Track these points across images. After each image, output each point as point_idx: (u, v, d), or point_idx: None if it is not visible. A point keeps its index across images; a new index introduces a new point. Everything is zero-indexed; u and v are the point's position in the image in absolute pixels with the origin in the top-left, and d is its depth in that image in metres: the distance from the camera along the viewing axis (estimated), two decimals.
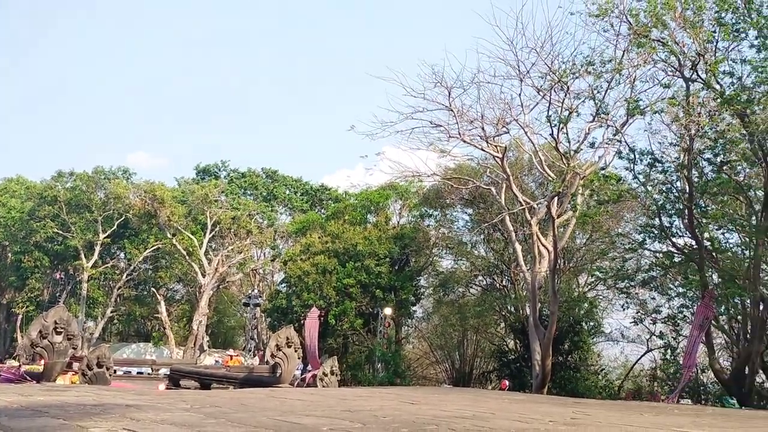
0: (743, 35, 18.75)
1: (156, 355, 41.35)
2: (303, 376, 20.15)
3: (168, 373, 21.24)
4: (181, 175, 61.33)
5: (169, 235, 43.03)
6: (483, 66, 64.76)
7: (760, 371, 22.11)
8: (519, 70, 20.97)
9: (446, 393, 13.49)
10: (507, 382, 25.05)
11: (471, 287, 35.64)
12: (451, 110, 22.31)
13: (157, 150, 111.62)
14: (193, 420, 5.13)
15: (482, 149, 23.81)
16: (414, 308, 37.60)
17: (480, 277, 34.91)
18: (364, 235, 34.51)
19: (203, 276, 41.82)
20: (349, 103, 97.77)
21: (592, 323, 30.98)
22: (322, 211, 47.28)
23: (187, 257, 42.43)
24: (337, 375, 18.83)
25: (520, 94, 21.70)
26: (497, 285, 33.56)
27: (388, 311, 31.76)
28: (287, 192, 52.30)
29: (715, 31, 18.48)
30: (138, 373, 26.61)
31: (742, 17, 18.38)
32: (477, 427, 5.58)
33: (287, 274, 35.81)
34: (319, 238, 35.59)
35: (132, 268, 46.56)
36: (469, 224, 34.25)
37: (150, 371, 27.29)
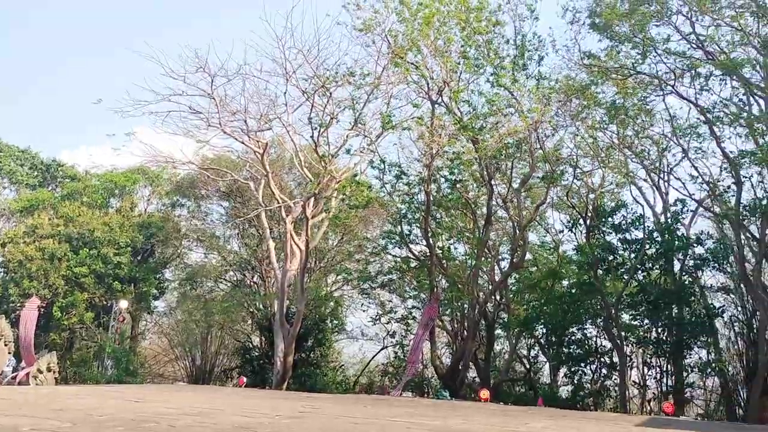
0: (482, 70, 21.38)
1: None
2: (15, 373, 17.76)
3: None
4: None
5: None
6: (250, 59, 63.92)
7: (472, 366, 25.29)
8: (286, 69, 21.14)
9: (179, 390, 12.94)
10: (244, 379, 24.90)
11: (220, 282, 34.79)
12: (213, 99, 21.63)
13: None
14: None
15: (243, 143, 23.50)
16: (156, 303, 35.47)
17: (231, 273, 34.25)
18: (105, 220, 31.61)
19: None
20: (100, 74, 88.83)
21: (336, 321, 32.35)
22: (57, 189, 42.07)
23: None
24: (54, 372, 16.92)
25: (285, 93, 21.91)
26: (248, 281, 33.27)
27: (123, 304, 29.45)
28: (12, 164, 45.32)
29: (460, 63, 20.76)
30: None
31: (482, 54, 20.94)
32: (200, 424, 5.41)
33: (5, 258, 31.23)
34: (49, 219, 31.67)
35: None
36: (223, 217, 33.45)
37: None
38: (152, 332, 38.20)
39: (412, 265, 24.42)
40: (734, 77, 19.94)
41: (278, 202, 23.66)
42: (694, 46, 20.60)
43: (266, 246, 26.87)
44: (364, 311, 28.10)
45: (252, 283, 32.83)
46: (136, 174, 34.09)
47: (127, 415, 5.82)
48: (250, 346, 32.41)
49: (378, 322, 28.22)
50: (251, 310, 31.48)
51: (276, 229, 28.57)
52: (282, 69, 21.10)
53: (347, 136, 22.53)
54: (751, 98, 21.10)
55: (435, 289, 22.36)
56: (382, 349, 30.93)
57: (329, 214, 23.72)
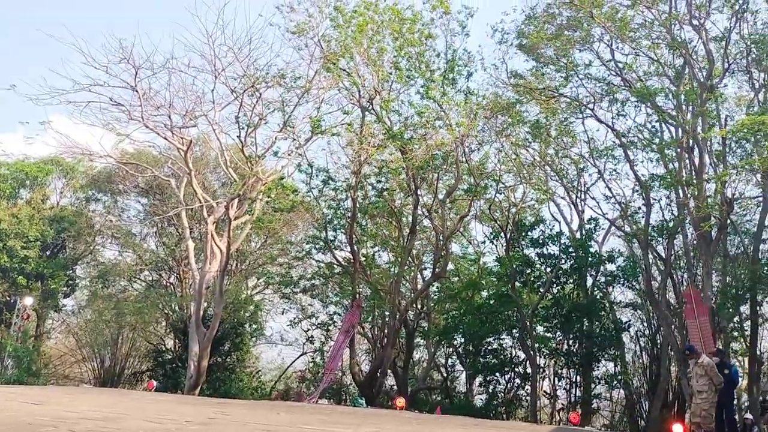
0: (413, 82, 21.66)
1: None
2: None
3: None
4: None
5: None
6: (178, 53, 62.16)
7: (391, 374, 25.44)
8: (215, 67, 20.64)
9: (84, 393, 12.33)
10: (154, 383, 24.01)
11: (135, 282, 33.44)
12: (136, 91, 20.82)
13: None
14: None
15: (166, 138, 22.73)
16: (65, 301, 33.67)
17: (146, 272, 32.98)
18: (13, 212, 29.77)
19: None
20: (12, 57, 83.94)
21: (255, 326, 31.76)
22: None
23: None
24: None
25: (213, 90, 21.36)
26: (164, 281, 32.14)
27: (28, 301, 27.76)
28: None
29: (391, 73, 20.95)
30: None
31: (414, 66, 21.21)
32: (102, 429, 5.15)
33: None
34: None
35: None
36: (141, 215, 32.21)
37: None
38: (59, 331, 36.20)
39: (336, 271, 24.34)
40: (648, 104, 21.08)
41: (200, 202, 23.00)
42: (613, 72, 21.64)
43: (185, 246, 26.02)
44: (283, 314, 27.73)
45: (168, 284, 31.74)
46: (49, 165, 32.30)
47: (24, 418, 5.47)
48: (163, 348, 31.31)
49: (297, 325, 27.94)
50: (166, 311, 30.40)
51: (197, 229, 27.79)
52: (211, 66, 20.59)
53: (275, 138, 22.26)
54: (663, 125, 22.40)
55: (357, 296, 22.37)
56: (301, 354, 30.62)
57: (253, 216, 23.28)
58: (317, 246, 24.63)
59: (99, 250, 33.85)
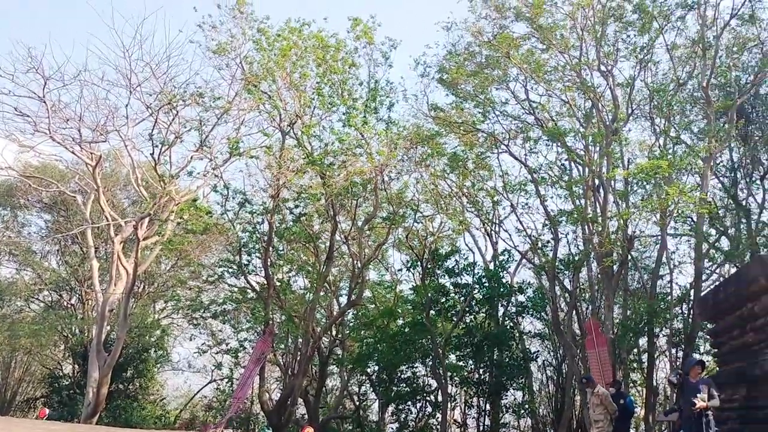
0: (335, 108, 21.70)
1: None
2: None
3: None
4: None
5: None
6: (92, 65, 59.81)
7: (302, 403, 24.93)
8: (130, 81, 19.93)
9: None
10: (47, 410, 22.52)
11: (32, 302, 31.41)
12: (45, 102, 19.77)
13: None
14: None
15: (74, 153, 21.65)
16: None
17: (46, 292, 31.09)
18: None
19: None
20: None
21: (161, 351, 30.46)
22: None
23: None
24: None
25: (127, 106, 20.62)
26: (64, 303, 30.37)
27: None
28: None
29: (314, 99, 20.92)
30: None
31: (336, 93, 21.29)
32: None
33: None
34: None
35: None
36: (43, 231, 30.44)
37: None
38: None
39: (249, 296, 23.76)
40: (559, 144, 22.08)
41: (107, 220, 21.94)
42: (528, 111, 22.58)
43: (89, 266, 24.74)
44: (191, 340, 26.73)
45: (69, 305, 30.02)
46: None
47: None
48: (60, 374, 29.45)
49: (205, 353, 27.01)
50: (65, 334, 28.69)
51: (102, 249, 26.51)
52: (126, 80, 19.88)
53: (191, 158, 21.63)
54: (572, 164, 23.50)
55: (270, 323, 21.88)
56: (209, 382, 29.62)
57: (163, 237, 22.43)
58: (230, 270, 24.00)
59: None
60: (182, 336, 31.38)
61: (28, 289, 30.31)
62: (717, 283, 21.09)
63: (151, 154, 20.39)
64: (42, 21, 76.55)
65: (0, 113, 19.89)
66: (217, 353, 26.82)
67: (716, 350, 13.34)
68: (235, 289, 24.60)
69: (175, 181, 21.72)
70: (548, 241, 24.51)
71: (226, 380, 26.91)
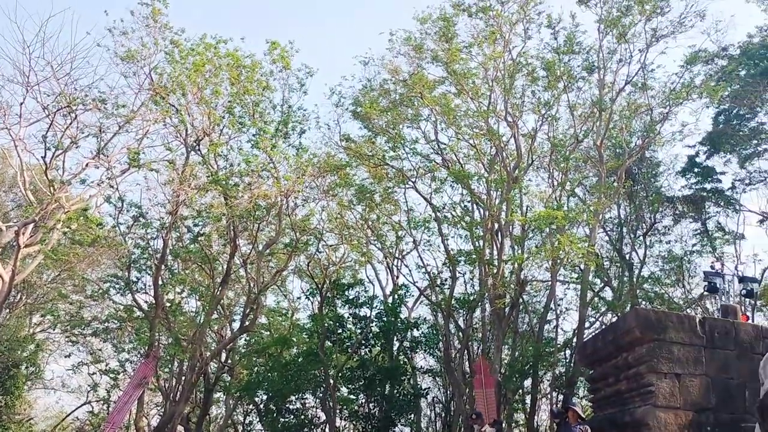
0: (245, 129, 21.33)
1: None
2: None
3: None
4: None
5: None
6: None
7: (181, 431, 23.76)
8: (28, 79, 18.70)
9: None
10: None
11: None
12: None
13: None
14: None
15: None
16: None
17: None
18: None
19: None
20: None
21: (33, 368, 28.22)
22: None
23: None
24: None
25: (22, 104, 19.27)
26: None
27: None
28: None
29: (224, 117, 20.49)
30: None
31: (248, 114, 20.96)
32: None
33: None
34: None
35: None
36: None
37: None
38: None
39: (136, 314, 22.56)
40: (463, 185, 22.77)
41: None
42: (436, 152, 23.20)
43: None
44: (67, 357, 24.95)
45: None
46: None
47: None
48: None
49: (80, 371, 25.28)
50: None
51: None
52: (24, 77, 18.64)
53: (86, 165, 20.49)
54: (475, 206, 24.28)
55: (155, 345, 20.83)
56: (83, 404, 27.72)
57: (47, 246, 20.97)
58: (117, 286, 22.74)
59: None
60: (58, 352, 29.27)
61: None
62: (597, 331, 22.30)
63: (43, 157, 19.15)
64: None
65: None
66: (93, 373, 25.15)
67: (592, 396, 13.98)
68: (121, 307, 23.29)
69: (67, 188, 20.46)
70: (446, 279, 25.03)
71: (102, 402, 25.24)
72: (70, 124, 19.12)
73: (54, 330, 28.31)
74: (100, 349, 24.85)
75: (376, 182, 23.82)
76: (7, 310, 24.50)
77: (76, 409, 29.12)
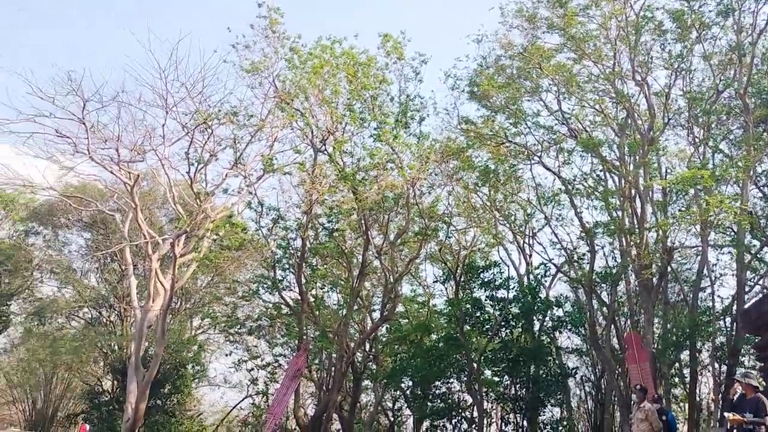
0: (366, 124, 21.80)
1: None
2: None
3: None
4: None
5: None
6: (129, 86, 61.41)
7: (336, 418, 24.85)
8: (166, 102, 20.38)
9: None
10: (87, 426, 22.89)
11: (73, 319, 32.11)
12: (84, 124, 20.33)
13: None
14: None
15: (112, 172, 22.18)
16: None
17: (86, 309, 31.77)
18: None
19: None
20: None
21: (198, 367, 30.79)
22: None
23: None
24: None
25: (164, 125, 21.04)
26: (104, 320, 30.97)
27: None
28: None
29: (345, 115, 21.06)
30: None
31: (367, 109, 21.40)
32: None
33: None
34: None
35: None
36: (83, 249, 31.17)
37: None
38: None
39: (284, 311, 23.90)
40: (593, 154, 21.77)
41: (145, 238, 22.38)
42: (560, 122, 22.34)
43: (128, 283, 25.22)
44: (227, 356, 26.96)
45: (108, 322, 30.59)
46: None
47: None
48: (100, 390, 29.97)
49: (240, 368, 27.19)
50: (105, 351, 29.23)
51: (141, 266, 26.99)
52: (162, 101, 20.33)
53: (226, 175, 21.98)
54: (608, 174, 23.12)
55: (305, 339, 21.94)
56: (245, 397, 29.79)
57: (200, 253, 22.75)
58: (265, 285, 24.19)
59: (36, 286, 32.54)
60: (219, 351, 31.71)
61: (69, 307, 31.01)
62: (761, 295, 20.46)
63: (187, 173, 20.83)
64: (82, 45, 79.01)
65: (42, 135, 20.40)
66: (251, 369, 26.99)
67: (762, 364, 12.90)
68: (270, 305, 24.77)
69: (211, 199, 22.09)
70: (584, 254, 24.08)
71: (262, 395, 27.01)
72: (208, 138, 20.62)
73: (213, 331, 30.74)
74: (255, 346, 26.60)
75: (498, 162, 23.35)
76: (171, 316, 26.79)
77: (239, 402, 31.39)
